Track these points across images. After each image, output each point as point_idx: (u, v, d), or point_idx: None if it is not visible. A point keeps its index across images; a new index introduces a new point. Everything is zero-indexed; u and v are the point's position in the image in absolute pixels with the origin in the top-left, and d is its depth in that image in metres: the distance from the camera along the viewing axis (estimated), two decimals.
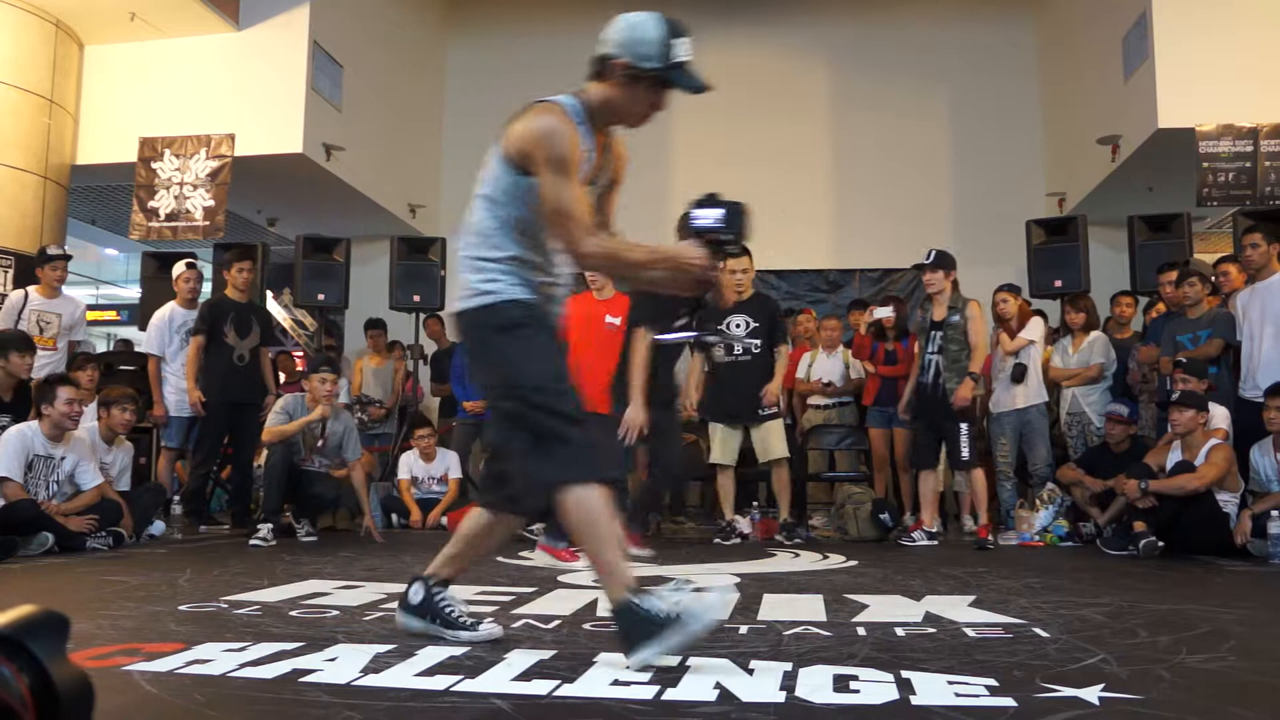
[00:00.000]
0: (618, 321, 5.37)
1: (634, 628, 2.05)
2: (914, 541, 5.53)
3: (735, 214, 2.22)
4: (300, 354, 9.79)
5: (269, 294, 9.30)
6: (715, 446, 5.82)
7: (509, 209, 2.27)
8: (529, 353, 2.23)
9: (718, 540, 5.63)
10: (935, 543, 5.56)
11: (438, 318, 8.43)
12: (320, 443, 5.66)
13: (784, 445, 5.80)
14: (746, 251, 5.67)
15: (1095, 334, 6.51)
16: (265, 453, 5.70)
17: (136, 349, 7.84)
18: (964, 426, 5.47)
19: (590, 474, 2.15)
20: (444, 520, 6.45)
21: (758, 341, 5.76)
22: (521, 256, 2.27)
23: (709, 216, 2.22)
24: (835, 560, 4.65)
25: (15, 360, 5.23)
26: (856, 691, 1.90)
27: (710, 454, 5.93)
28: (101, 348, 11.72)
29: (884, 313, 6.82)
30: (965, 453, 5.48)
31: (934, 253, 5.69)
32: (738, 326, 5.74)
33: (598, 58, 2.27)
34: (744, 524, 5.77)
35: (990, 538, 5.44)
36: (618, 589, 2.10)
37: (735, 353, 5.74)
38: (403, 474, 6.75)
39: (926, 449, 5.72)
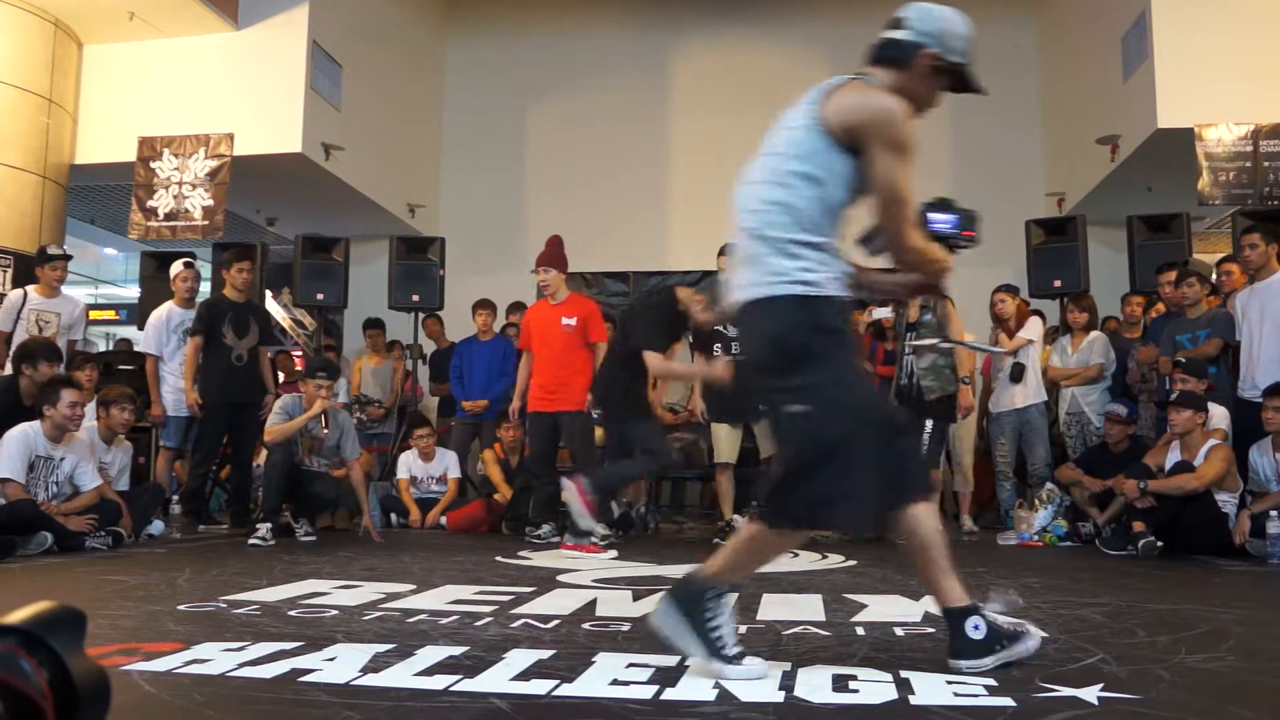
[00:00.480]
0: (574, 322, 5.57)
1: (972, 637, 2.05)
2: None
3: (971, 219, 2.26)
4: (299, 354, 9.79)
5: (268, 293, 9.30)
6: (718, 445, 5.79)
7: (831, 189, 2.07)
8: (851, 363, 2.12)
9: (717, 540, 5.62)
10: None
11: (437, 317, 8.42)
12: (318, 444, 5.66)
13: None
14: None
15: (1095, 334, 6.50)
16: (266, 452, 5.69)
17: (136, 348, 7.84)
18: (929, 424, 5.43)
19: (915, 492, 2.06)
20: (443, 520, 6.45)
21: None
22: (832, 244, 2.10)
23: (946, 221, 2.25)
24: (834, 560, 4.65)
25: (44, 369, 5.24)
26: (855, 691, 1.90)
27: (714, 452, 5.90)
28: (101, 347, 11.72)
29: (883, 313, 6.82)
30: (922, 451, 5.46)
31: None
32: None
33: (893, 43, 2.18)
34: (743, 523, 5.75)
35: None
36: (950, 599, 2.09)
37: (735, 352, 5.72)
38: (402, 474, 6.75)
39: None
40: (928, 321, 5.54)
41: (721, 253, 5.72)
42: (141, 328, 6.91)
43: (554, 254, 5.63)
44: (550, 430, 5.56)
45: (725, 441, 5.76)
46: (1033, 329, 6.30)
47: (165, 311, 6.44)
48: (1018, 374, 6.19)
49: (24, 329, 6.03)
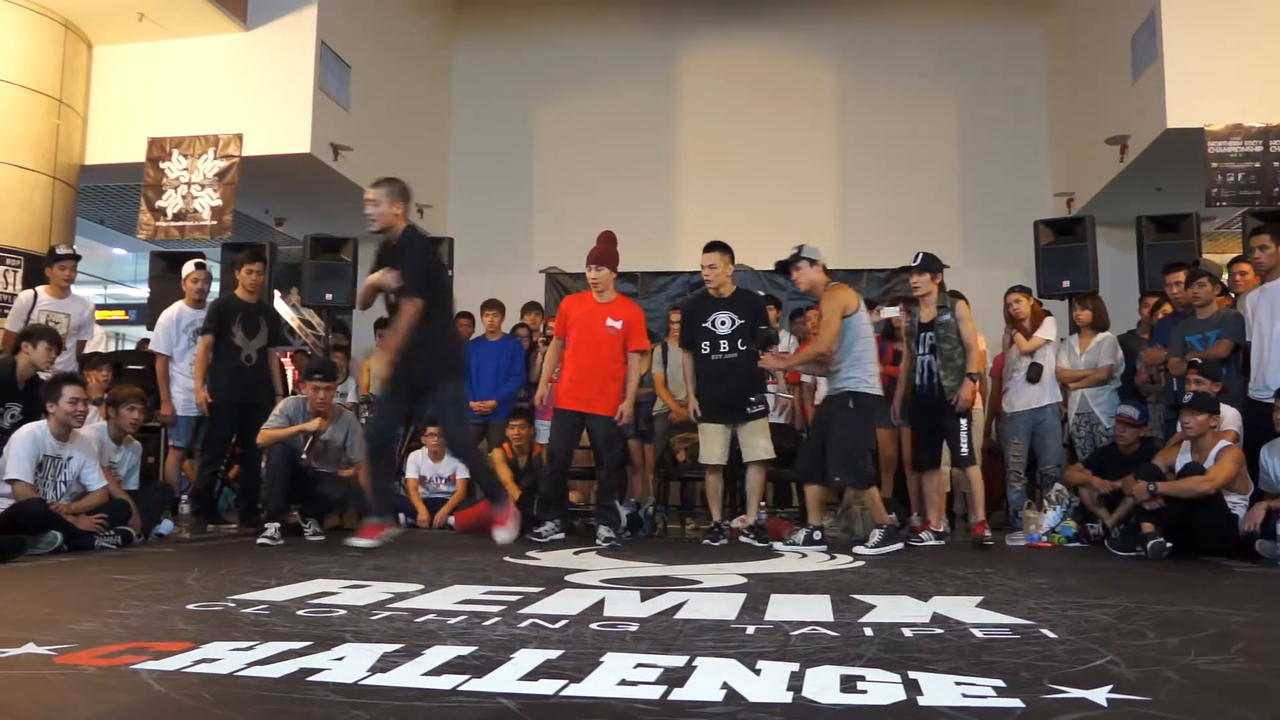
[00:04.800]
0: (618, 326, 5.49)
1: None
2: (922, 541, 5.51)
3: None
4: (309, 354, 9.80)
5: (276, 294, 9.32)
6: (704, 446, 5.68)
7: None
8: None
9: (706, 542, 5.57)
10: (942, 543, 5.55)
11: (468, 315, 8.39)
12: (323, 445, 5.67)
13: (769, 446, 5.61)
14: (718, 247, 5.67)
15: (1104, 335, 6.47)
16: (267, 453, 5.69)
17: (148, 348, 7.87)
18: (964, 423, 5.45)
19: None
20: (451, 520, 6.45)
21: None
22: None
23: None
24: (842, 560, 4.64)
25: (44, 349, 5.27)
26: (864, 692, 1.89)
27: (703, 453, 5.75)
28: (111, 347, 11.75)
29: (891, 312, 6.81)
30: (965, 449, 5.46)
31: (921, 255, 5.62)
32: (722, 324, 5.61)
33: None
34: (739, 524, 5.74)
35: (987, 534, 5.40)
36: None
37: (722, 350, 5.61)
38: (410, 474, 6.76)
39: (926, 451, 5.70)
40: (945, 322, 5.51)
41: (708, 249, 5.66)
42: (151, 328, 6.94)
43: (605, 251, 5.59)
44: (574, 430, 5.50)
45: (715, 442, 5.63)
46: (1049, 329, 6.29)
47: (176, 311, 6.47)
48: (1035, 374, 6.17)
49: None
